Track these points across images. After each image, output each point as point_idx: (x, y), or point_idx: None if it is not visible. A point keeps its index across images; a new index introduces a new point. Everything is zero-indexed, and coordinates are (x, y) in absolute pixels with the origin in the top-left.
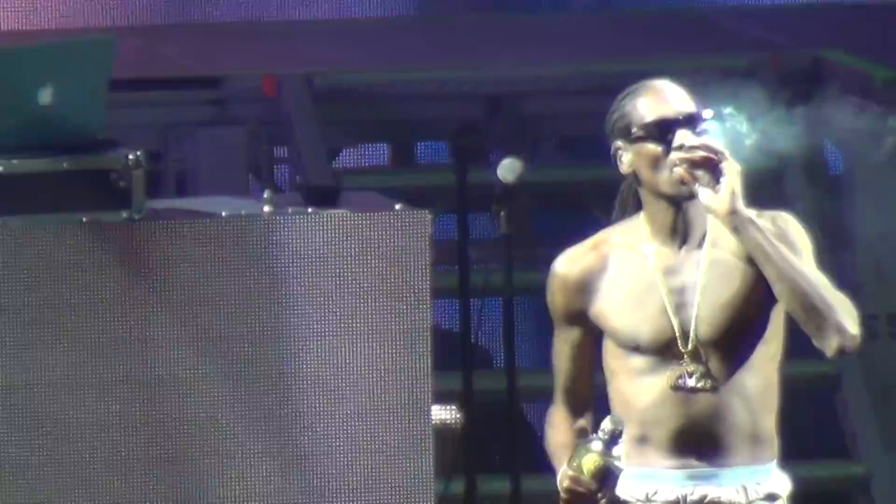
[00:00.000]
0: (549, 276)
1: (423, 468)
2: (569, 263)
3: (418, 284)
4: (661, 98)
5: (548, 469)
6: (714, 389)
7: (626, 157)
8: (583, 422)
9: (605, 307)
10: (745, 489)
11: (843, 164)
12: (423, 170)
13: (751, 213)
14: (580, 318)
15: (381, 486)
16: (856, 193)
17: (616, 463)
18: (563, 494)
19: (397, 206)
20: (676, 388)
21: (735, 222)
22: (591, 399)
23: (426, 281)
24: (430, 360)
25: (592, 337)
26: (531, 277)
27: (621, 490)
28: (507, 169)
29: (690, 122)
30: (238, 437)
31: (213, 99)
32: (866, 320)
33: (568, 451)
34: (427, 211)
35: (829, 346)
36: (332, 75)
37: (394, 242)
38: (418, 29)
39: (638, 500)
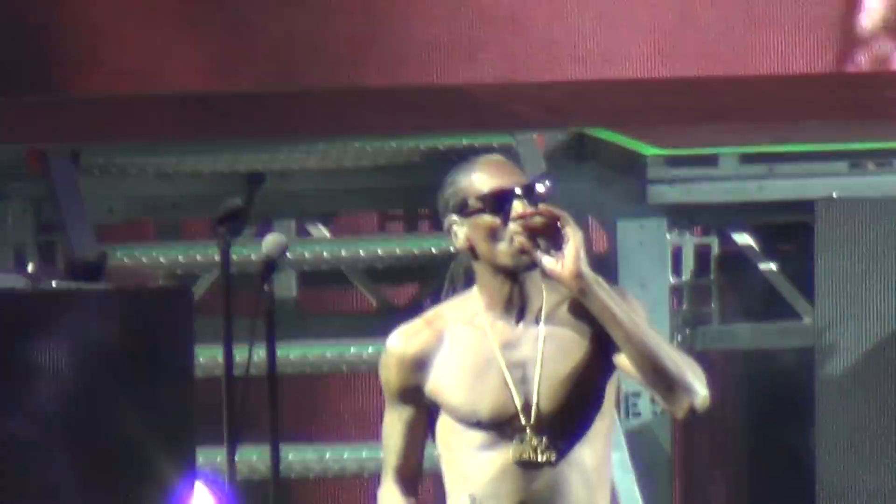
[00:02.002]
0: (384, 353)
1: None
2: (404, 340)
3: (181, 360)
4: (495, 171)
5: None
6: (555, 463)
7: (462, 232)
8: (413, 501)
9: (442, 383)
10: None
11: (605, 241)
12: (187, 246)
13: (596, 276)
14: (415, 395)
15: None
16: (619, 270)
17: None
18: None
19: (160, 282)
20: (520, 462)
21: (581, 284)
22: (421, 477)
23: (190, 356)
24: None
25: (426, 414)
26: (295, 353)
27: None
28: (272, 245)
29: (527, 192)
30: None
31: None
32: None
33: None
34: (189, 287)
35: (680, 406)
36: (99, 150)
37: (156, 318)
38: (185, 105)
39: None
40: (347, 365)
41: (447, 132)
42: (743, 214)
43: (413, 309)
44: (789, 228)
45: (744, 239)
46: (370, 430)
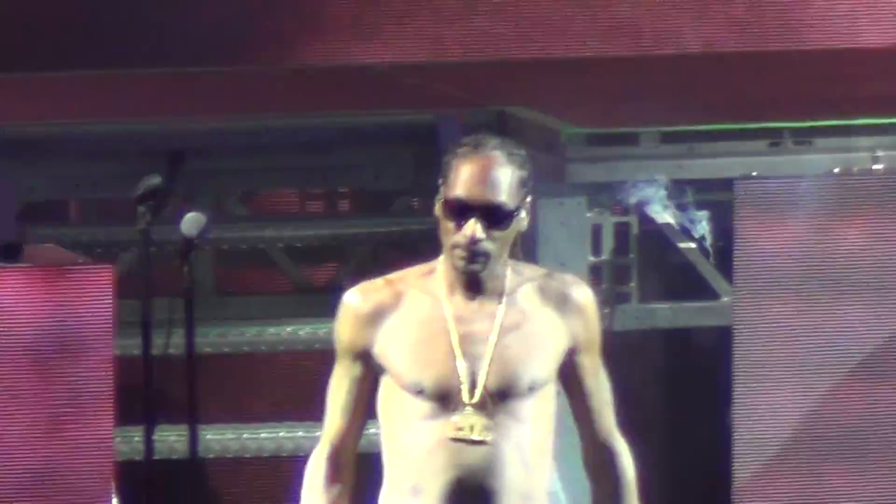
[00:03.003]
0: (340, 307)
1: None
2: (362, 296)
3: (100, 338)
4: (472, 177)
5: None
6: (493, 443)
7: (438, 204)
8: (339, 488)
9: (391, 347)
10: None
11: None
12: (107, 225)
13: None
14: (365, 355)
15: None
16: (539, 248)
17: None
18: None
19: (80, 260)
20: (457, 438)
21: None
22: (355, 460)
23: (109, 334)
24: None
25: (373, 377)
26: (216, 333)
27: None
28: (191, 223)
29: (485, 215)
30: None
31: None
32: None
33: None
34: (110, 265)
35: None
36: (15, 127)
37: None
38: (104, 83)
39: None
40: (266, 345)
41: (368, 111)
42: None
43: (332, 289)
44: (709, 207)
45: (664, 218)
46: (289, 411)
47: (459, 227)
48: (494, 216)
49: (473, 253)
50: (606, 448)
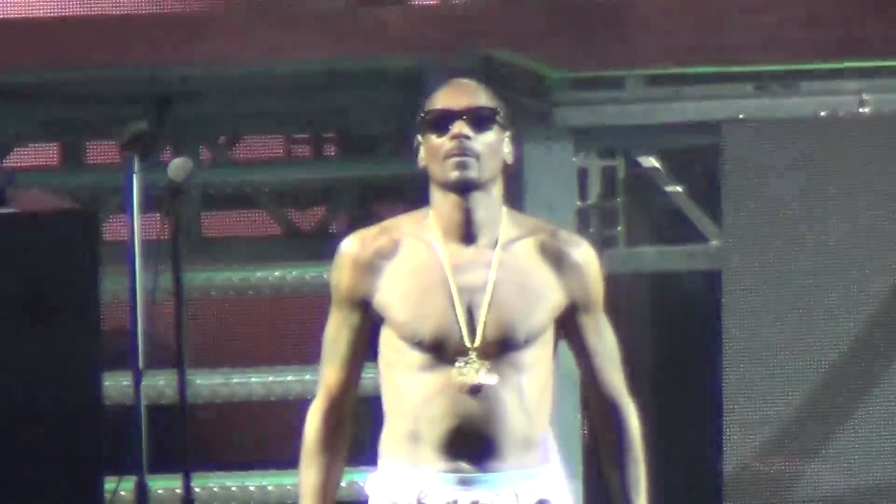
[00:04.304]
0: (337, 255)
1: None
2: (360, 243)
3: (87, 283)
4: (451, 93)
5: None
6: (493, 389)
7: (422, 150)
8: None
9: (390, 297)
10: (516, 495)
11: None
12: (93, 170)
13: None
14: (363, 303)
15: None
16: (526, 193)
17: None
18: None
19: (65, 206)
20: (460, 384)
21: None
22: (354, 409)
23: (95, 281)
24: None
25: (370, 325)
26: (201, 277)
27: (392, 490)
28: (178, 168)
29: (471, 115)
30: None
31: None
32: None
33: (316, 498)
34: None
35: None
36: (3, 73)
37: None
38: (89, 26)
39: None
40: (253, 289)
41: (353, 55)
42: (649, 137)
43: (319, 234)
44: (696, 151)
45: (650, 162)
46: (276, 355)
47: (446, 134)
48: (478, 118)
49: (464, 152)
50: (612, 405)
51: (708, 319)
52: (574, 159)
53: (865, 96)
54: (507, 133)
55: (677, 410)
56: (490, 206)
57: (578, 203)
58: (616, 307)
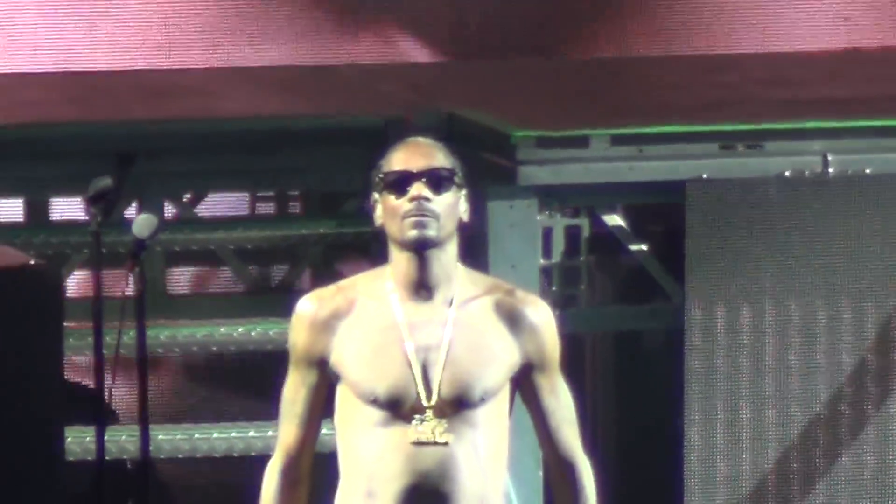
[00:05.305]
0: (294, 315)
1: None
2: (316, 303)
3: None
4: (409, 153)
5: None
6: (449, 447)
7: (378, 209)
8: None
9: (346, 355)
10: None
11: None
12: (58, 226)
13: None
14: (320, 363)
15: None
16: (491, 251)
17: None
18: None
19: (31, 262)
20: (419, 442)
21: None
22: (311, 467)
23: (59, 337)
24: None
25: (327, 385)
26: (166, 333)
27: None
28: (143, 225)
29: (429, 177)
30: None
31: None
32: None
33: None
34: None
35: None
36: None
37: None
38: (54, 83)
39: None
40: (217, 345)
41: (317, 113)
42: (614, 196)
43: (283, 290)
44: (660, 210)
45: (614, 220)
46: (239, 411)
47: (404, 196)
48: (436, 179)
49: (422, 213)
50: (567, 464)
51: (670, 378)
52: (538, 217)
53: (830, 157)
54: (464, 192)
55: (640, 470)
56: (446, 263)
57: (542, 261)
58: (578, 366)
